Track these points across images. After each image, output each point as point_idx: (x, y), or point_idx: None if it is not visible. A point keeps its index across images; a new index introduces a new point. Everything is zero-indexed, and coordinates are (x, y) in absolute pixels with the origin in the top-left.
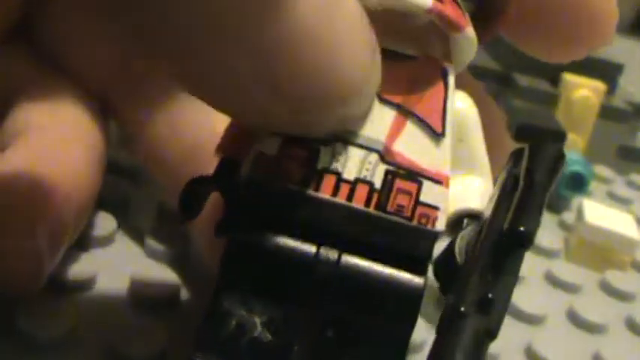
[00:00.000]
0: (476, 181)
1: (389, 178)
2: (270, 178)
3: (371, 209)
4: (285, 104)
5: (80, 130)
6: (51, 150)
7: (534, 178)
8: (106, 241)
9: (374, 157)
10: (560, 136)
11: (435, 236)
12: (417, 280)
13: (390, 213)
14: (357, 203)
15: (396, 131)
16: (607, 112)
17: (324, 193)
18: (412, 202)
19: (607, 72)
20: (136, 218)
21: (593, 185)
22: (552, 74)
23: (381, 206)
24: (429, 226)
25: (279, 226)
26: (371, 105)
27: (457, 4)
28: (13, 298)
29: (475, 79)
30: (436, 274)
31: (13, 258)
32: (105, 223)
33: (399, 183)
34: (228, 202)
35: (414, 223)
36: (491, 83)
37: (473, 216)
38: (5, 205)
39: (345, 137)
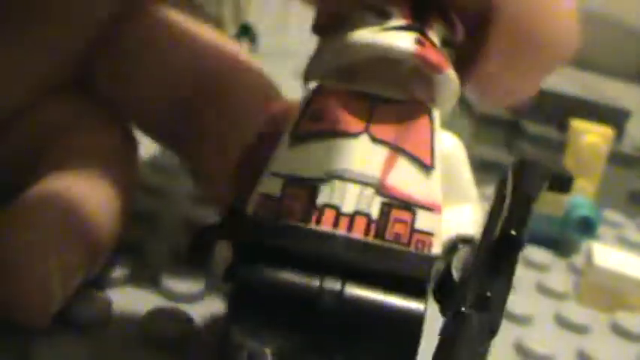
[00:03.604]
0: (466, 210)
1: (385, 209)
2: (274, 216)
3: (370, 238)
4: None
5: (107, 178)
6: (70, 192)
7: (521, 189)
8: (121, 281)
9: (370, 190)
10: (566, 182)
11: (432, 260)
12: (418, 305)
13: (388, 240)
14: (357, 234)
15: (388, 167)
16: (616, 158)
17: (325, 226)
18: (408, 230)
19: (614, 118)
20: (150, 259)
21: (604, 230)
22: (560, 121)
23: (379, 235)
24: (425, 251)
25: (283, 261)
26: None
27: (436, 47)
28: (27, 335)
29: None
30: (435, 296)
31: (24, 293)
32: (120, 263)
33: (394, 213)
34: (236, 251)
35: (412, 248)
36: (501, 131)
37: (466, 240)
38: (21, 240)
39: (341, 175)
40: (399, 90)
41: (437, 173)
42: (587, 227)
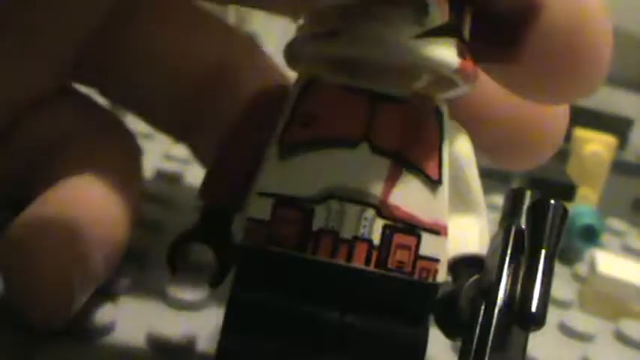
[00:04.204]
0: (473, 222)
1: (387, 233)
2: (265, 245)
3: (371, 268)
4: None
5: (118, 184)
6: (88, 198)
7: (541, 245)
8: (126, 289)
9: (371, 212)
10: (569, 190)
11: (436, 289)
12: (420, 334)
13: (391, 270)
14: (357, 262)
15: (391, 182)
16: (619, 167)
17: (323, 256)
18: (412, 257)
19: (618, 127)
20: (155, 267)
21: (607, 238)
22: None
23: (381, 264)
24: (430, 280)
25: (280, 291)
26: None
27: (470, 54)
28: (33, 343)
29: None
30: (437, 321)
31: (46, 296)
32: (124, 271)
33: (397, 238)
34: (218, 258)
35: (416, 277)
36: None
37: (473, 261)
38: (46, 245)
39: (339, 194)
40: (402, 83)
41: (444, 188)
42: (591, 235)
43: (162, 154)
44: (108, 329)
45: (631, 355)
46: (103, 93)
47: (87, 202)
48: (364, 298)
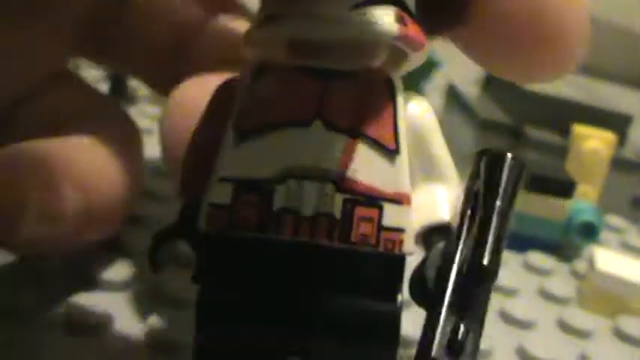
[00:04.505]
0: (441, 189)
1: (348, 207)
2: (227, 229)
3: (335, 243)
4: None
5: (117, 154)
6: (90, 150)
7: (494, 199)
8: (123, 285)
9: (330, 188)
10: (568, 187)
11: (402, 259)
12: (392, 307)
13: (354, 244)
14: (320, 238)
15: (348, 157)
16: (618, 163)
17: (285, 235)
18: (375, 229)
19: (617, 123)
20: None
21: (607, 235)
22: (563, 126)
23: (344, 238)
24: (395, 251)
25: (247, 277)
26: None
27: (414, 21)
28: (32, 338)
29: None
30: (411, 292)
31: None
32: (122, 268)
33: (359, 211)
34: (195, 251)
35: (381, 249)
36: (503, 136)
37: (441, 229)
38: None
39: (296, 173)
40: (352, 58)
41: (403, 157)
42: (590, 232)
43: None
44: (105, 325)
45: (629, 351)
46: (103, 61)
47: (72, 150)
48: (330, 275)
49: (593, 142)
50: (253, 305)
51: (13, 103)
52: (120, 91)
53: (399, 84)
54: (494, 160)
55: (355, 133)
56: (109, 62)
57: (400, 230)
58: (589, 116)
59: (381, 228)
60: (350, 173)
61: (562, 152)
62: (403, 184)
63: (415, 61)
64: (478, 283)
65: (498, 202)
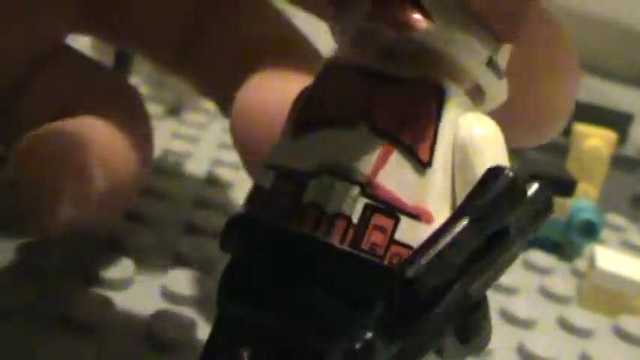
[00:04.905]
0: None
1: (367, 213)
2: (262, 211)
3: (345, 246)
4: None
5: (131, 125)
6: (104, 129)
7: (464, 213)
8: (124, 283)
9: (355, 190)
10: (569, 186)
11: (383, 274)
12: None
13: (363, 251)
14: (334, 238)
15: (381, 162)
16: (619, 162)
17: (306, 228)
18: (386, 241)
19: (618, 122)
20: (153, 261)
21: (607, 234)
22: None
23: (355, 243)
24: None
25: (263, 260)
26: None
27: None
28: (31, 336)
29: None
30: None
31: (35, 201)
32: (122, 267)
33: (376, 219)
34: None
35: (385, 262)
36: None
37: None
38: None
39: (333, 169)
40: (407, 66)
41: (435, 171)
42: (591, 231)
43: (162, 148)
44: (104, 325)
45: (630, 350)
46: (106, 37)
47: (89, 130)
48: (333, 275)
49: (594, 140)
50: (264, 291)
51: (15, 80)
52: (125, 68)
53: (452, 97)
54: (486, 174)
55: (393, 139)
56: (112, 37)
57: (409, 247)
58: (589, 114)
59: (391, 241)
60: (378, 179)
61: (562, 151)
62: (427, 200)
63: (476, 66)
64: (401, 292)
65: (466, 218)
